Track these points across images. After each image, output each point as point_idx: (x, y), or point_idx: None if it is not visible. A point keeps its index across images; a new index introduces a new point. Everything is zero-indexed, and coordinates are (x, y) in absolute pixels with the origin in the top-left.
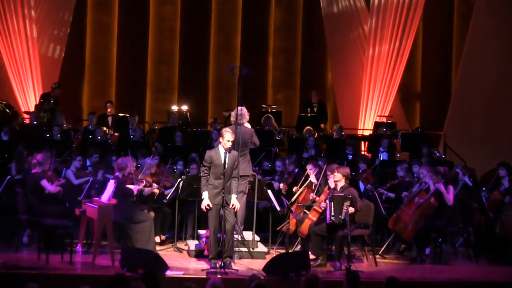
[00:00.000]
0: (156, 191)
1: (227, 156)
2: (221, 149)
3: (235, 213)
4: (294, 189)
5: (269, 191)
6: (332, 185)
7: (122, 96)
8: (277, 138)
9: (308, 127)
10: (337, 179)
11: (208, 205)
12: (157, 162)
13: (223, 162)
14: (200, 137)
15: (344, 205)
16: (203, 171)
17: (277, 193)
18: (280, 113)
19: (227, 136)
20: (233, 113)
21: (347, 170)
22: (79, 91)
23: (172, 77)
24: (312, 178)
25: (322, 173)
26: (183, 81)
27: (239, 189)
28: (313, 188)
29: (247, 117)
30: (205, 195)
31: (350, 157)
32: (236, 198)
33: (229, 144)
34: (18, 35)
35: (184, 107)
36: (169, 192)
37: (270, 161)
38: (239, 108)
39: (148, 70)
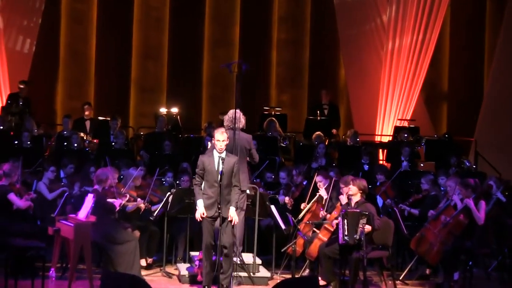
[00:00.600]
0: (142, 206)
1: (222, 160)
2: (215, 153)
3: (230, 228)
4: (302, 205)
5: (273, 207)
6: (345, 200)
7: (102, 96)
8: (282, 145)
9: (317, 133)
10: (351, 192)
11: (203, 213)
12: (143, 173)
13: (216, 168)
14: (192, 144)
15: (359, 223)
16: (195, 178)
17: (281, 209)
18: (285, 116)
19: (217, 136)
20: (226, 117)
21: (363, 182)
22: (53, 90)
23: (160, 75)
24: (322, 192)
25: (334, 186)
26: (173, 79)
27: (233, 204)
28: (323, 203)
29: (243, 121)
30: (199, 203)
31: (366, 167)
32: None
33: (220, 145)
34: None
35: (174, 110)
36: (157, 208)
37: (273, 172)
38: (232, 111)
39: (133, 67)
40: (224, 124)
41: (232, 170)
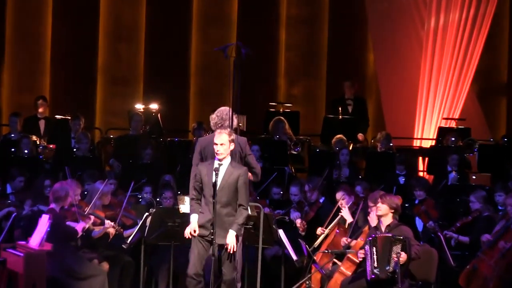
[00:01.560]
0: (112, 231)
1: (216, 171)
2: (216, 164)
3: (231, 259)
4: (319, 229)
5: (281, 232)
6: (374, 223)
7: (61, 89)
8: (293, 152)
9: (339, 136)
10: (380, 213)
11: (195, 230)
12: (113, 188)
13: (214, 179)
14: (177, 151)
15: (392, 251)
16: (190, 191)
17: (292, 235)
18: (297, 115)
19: (219, 138)
20: (213, 116)
21: (394, 200)
22: None
23: (135, 62)
24: (345, 213)
25: (361, 205)
26: (152, 67)
27: (233, 227)
28: (346, 227)
29: (235, 121)
30: (193, 218)
31: (402, 180)
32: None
33: (217, 149)
34: None
35: (154, 106)
36: (131, 233)
37: (282, 186)
38: (223, 110)
39: (100, 52)
40: (212, 123)
41: (235, 184)
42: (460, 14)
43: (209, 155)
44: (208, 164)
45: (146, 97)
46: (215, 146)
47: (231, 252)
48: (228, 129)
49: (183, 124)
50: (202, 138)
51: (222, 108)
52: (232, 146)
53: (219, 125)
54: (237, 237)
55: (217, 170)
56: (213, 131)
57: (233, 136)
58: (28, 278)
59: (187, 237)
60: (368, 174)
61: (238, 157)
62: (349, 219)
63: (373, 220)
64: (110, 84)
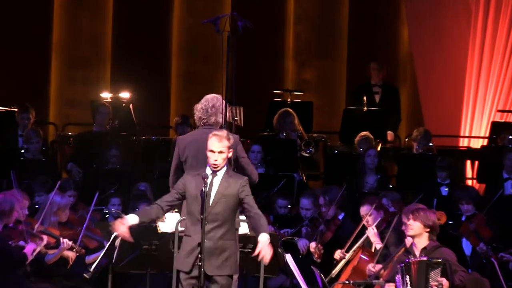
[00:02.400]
0: (71, 255)
1: (217, 179)
2: (208, 171)
3: None
4: (338, 253)
5: (289, 257)
6: (408, 243)
7: (4, 73)
8: (304, 154)
9: (364, 133)
10: (413, 232)
11: (123, 223)
12: (72, 201)
13: (204, 193)
14: (155, 152)
15: (430, 278)
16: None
17: (303, 261)
18: (310, 106)
19: (210, 143)
20: (198, 106)
21: (430, 215)
22: None
23: (101, 37)
24: (372, 232)
25: (392, 223)
26: (122, 45)
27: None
28: (373, 250)
29: (230, 115)
30: (131, 216)
31: (444, 190)
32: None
33: (215, 159)
34: None
35: (124, 95)
36: (95, 259)
37: (290, 198)
38: (210, 99)
39: (55, 24)
40: (195, 117)
41: (234, 199)
42: None
43: (191, 159)
44: (197, 174)
45: (114, 84)
46: (210, 155)
47: (264, 261)
48: (225, 131)
49: (162, 118)
50: (181, 137)
51: (209, 96)
52: (230, 154)
53: (204, 120)
54: (270, 244)
55: (205, 177)
56: (196, 127)
57: (232, 141)
58: None
59: (113, 230)
60: (400, 182)
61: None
62: (376, 241)
63: (407, 241)
64: (68, 66)
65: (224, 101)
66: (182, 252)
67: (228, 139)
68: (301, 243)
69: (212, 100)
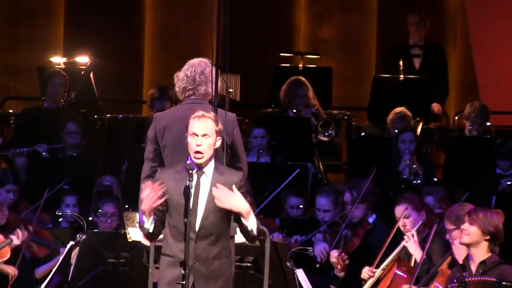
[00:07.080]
0: (11, 272)
1: (205, 182)
2: (189, 164)
3: None
4: (365, 271)
5: (300, 274)
6: (460, 256)
7: None
8: (322, 138)
9: (399, 109)
10: (468, 240)
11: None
12: (12, 198)
13: (188, 197)
14: (123, 135)
15: None
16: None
17: (320, 277)
18: (329, 74)
19: (192, 124)
20: (180, 74)
21: (495, 218)
22: None
23: None
24: (410, 243)
25: (434, 227)
26: None
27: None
28: (412, 264)
29: (222, 85)
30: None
31: (506, 184)
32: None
33: (206, 146)
34: None
35: (82, 60)
36: (47, 271)
37: (303, 195)
38: (197, 64)
39: None
40: (177, 89)
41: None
42: None
43: (171, 145)
44: (176, 172)
45: (69, 44)
46: (191, 140)
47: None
48: (212, 113)
49: (133, 91)
50: (159, 114)
51: (195, 60)
52: (219, 142)
53: (190, 92)
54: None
55: (191, 168)
56: (178, 102)
57: (221, 125)
58: None
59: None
60: (448, 174)
61: (221, 146)
62: (416, 251)
63: (459, 253)
64: (7, 22)
65: (214, 68)
66: (162, 280)
67: (217, 122)
68: (319, 248)
69: (199, 65)
